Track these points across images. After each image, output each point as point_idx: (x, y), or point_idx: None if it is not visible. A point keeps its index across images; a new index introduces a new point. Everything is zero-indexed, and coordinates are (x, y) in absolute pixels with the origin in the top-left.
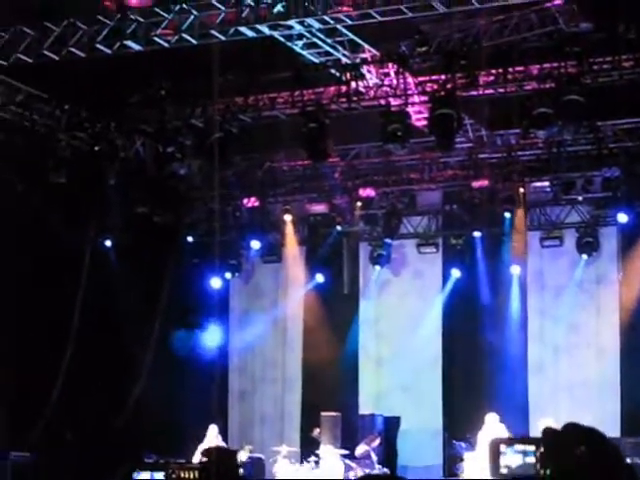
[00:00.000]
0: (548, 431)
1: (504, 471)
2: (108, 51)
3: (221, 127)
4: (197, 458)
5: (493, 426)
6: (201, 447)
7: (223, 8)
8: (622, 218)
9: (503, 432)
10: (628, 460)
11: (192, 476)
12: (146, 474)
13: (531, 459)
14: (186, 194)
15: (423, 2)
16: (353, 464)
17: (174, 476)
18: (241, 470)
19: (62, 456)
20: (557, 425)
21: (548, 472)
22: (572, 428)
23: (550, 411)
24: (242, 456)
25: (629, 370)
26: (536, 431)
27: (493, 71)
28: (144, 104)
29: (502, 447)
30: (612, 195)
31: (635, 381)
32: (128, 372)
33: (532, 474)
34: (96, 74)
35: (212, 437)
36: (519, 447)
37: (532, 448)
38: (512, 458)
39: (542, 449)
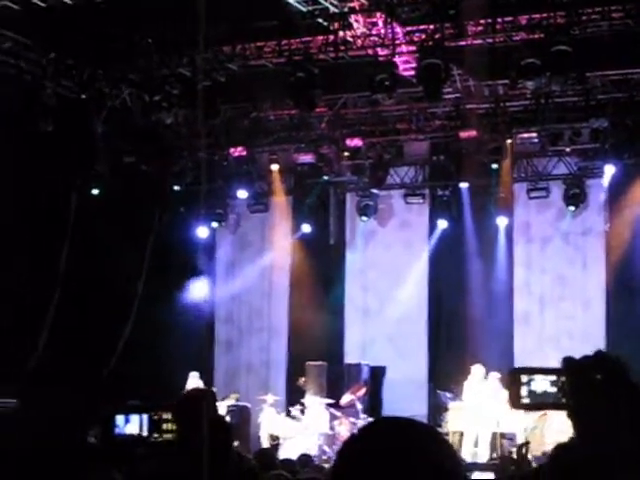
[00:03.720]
0: (567, 360)
1: (526, 401)
2: None
3: (208, 76)
4: None
5: (479, 377)
6: None
7: None
8: (609, 170)
9: (490, 382)
10: None
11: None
12: (122, 417)
13: (552, 389)
14: (173, 143)
15: None
16: (338, 413)
17: (156, 417)
18: (227, 418)
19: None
20: None
21: (565, 400)
22: (591, 357)
23: (535, 362)
24: (227, 403)
25: (614, 322)
26: None
27: (482, 21)
28: (131, 52)
29: (523, 377)
30: (599, 146)
31: (619, 333)
32: (114, 321)
33: (552, 402)
34: (83, 21)
35: (193, 385)
36: (540, 377)
37: (553, 378)
38: (533, 387)
39: (563, 378)
